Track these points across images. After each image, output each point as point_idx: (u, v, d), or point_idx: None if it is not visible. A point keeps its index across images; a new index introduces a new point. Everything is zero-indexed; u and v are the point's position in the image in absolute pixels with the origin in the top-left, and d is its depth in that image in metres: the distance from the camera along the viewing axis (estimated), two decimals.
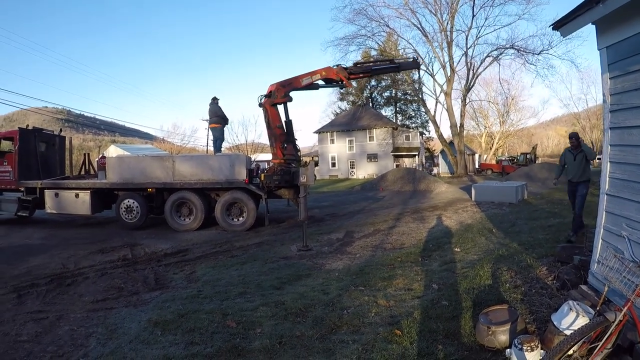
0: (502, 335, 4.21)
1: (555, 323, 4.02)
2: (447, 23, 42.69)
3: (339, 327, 5.10)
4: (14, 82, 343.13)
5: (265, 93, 14.71)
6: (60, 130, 19.11)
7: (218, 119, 16.19)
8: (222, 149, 16.91)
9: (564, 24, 5.13)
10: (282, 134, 14.91)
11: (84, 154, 19.90)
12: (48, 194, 15.21)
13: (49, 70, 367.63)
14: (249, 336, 4.96)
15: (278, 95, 14.67)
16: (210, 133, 17.10)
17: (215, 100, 16.34)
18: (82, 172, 18.08)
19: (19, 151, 15.60)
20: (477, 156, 68.57)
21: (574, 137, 9.88)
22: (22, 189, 15.67)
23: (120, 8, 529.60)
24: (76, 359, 4.74)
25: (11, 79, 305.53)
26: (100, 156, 23.63)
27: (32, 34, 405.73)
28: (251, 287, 7.15)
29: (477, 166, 60.48)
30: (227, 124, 17.02)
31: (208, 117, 16.59)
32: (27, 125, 16.83)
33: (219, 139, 16.69)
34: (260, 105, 14.75)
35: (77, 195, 14.83)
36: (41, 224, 16.34)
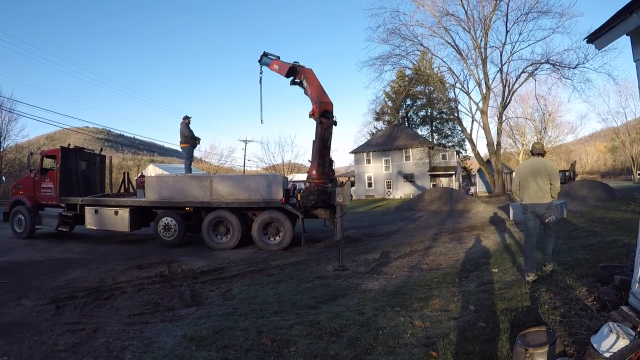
0: (539, 358, 4.09)
1: (594, 345, 3.91)
2: (481, 40, 42.56)
3: (374, 347, 5.05)
4: (56, 103, 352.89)
5: (319, 111, 14.75)
6: (101, 149, 19.69)
7: (187, 138, 16.34)
8: (191, 169, 17.13)
9: (598, 37, 5.05)
10: None
11: (124, 173, 20.33)
12: (88, 211, 15.61)
13: (90, 91, 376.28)
14: (283, 354, 4.95)
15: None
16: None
17: (185, 119, 16.49)
18: (122, 190, 18.45)
19: (61, 169, 16.13)
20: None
21: None
22: (63, 205, 16.10)
23: (159, 32, 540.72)
24: None
25: (53, 100, 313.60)
26: (139, 175, 24.02)
27: (73, 56, 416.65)
28: (286, 305, 7.15)
29: None
30: (198, 143, 17.12)
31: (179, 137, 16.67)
32: (69, 144, 17.30)
33: (188, 159, 16.90)
34: (323, 123, 14.85)
35: (116, 213, 15.15)
36: (81, 239, 16.76)
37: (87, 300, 7.95)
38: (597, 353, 3.83)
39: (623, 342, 3.72)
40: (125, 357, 5.17)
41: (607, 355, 3.65)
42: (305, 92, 16.01)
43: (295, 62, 16.47)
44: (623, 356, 3.17)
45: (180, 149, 17.08)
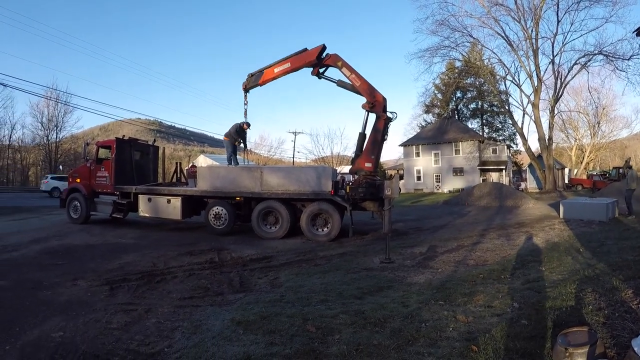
0: (579, 358, 4.06)
1: (635, 349, 3.87)
2: (532, 30, 41.67)
3: (416, 339, 5.12)
4: (109, 95, 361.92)
5: (381, 106, 14.77)
6: (154, 140, 20.15)
7: (229, 134, 16.42)
8: (231, 162, 16.79)
9: None
10: None
11: (176, 163, 20.87)
12: (141, 199, 16.11)
13: (143, 84, 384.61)
14: (327, 341, 5.08)
15: None
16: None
17: (244, 125, 16.50)
18: (174, 180, 18.93)
19: (116, 159, 16.74)
20: (566, 171, 66.16)
21: None
22: (118, 193, 16.68)
23: (208, 23, 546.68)
24: (161, 348, 5.05)
25: (107, 92, 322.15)
26: (190, 165, 24.48)
27: (125, 50, 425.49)
28: (332, 295, 7.28)
29: (566, 181, 58.35)
30: (237, 145, 17.01)
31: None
32: (124, 136, 17.86)
33: (227, 152, 16.94)
34: (385, 118, 14.89)
35: (168, 201, 15.58)
36: (133, 225, 17.32)
37: (139, 283, 8.28)
38: (637, 356, 3.80)
39: None
40: (175, 337, 5.41)
41: None
42: (342, 84, 15.56)
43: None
44: None
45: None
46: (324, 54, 15.46)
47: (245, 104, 16.69)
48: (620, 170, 47.44)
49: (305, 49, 15.51)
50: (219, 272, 9.36)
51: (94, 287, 7.94)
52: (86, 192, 17.11)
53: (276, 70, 15.89)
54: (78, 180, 17.75)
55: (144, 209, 16.12)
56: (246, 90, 16.61)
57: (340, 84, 15.54)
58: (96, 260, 10.36)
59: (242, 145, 17.13)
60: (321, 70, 15.85)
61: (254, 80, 16.37)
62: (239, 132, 16.46)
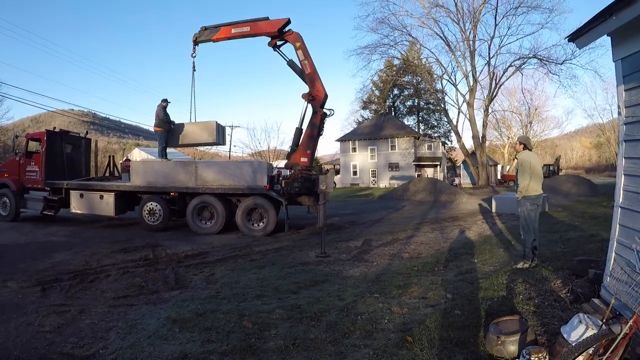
0: (511, 346, 4.24)
1: (564, 335, 4.05)
2: (470, 32, 42.80)
3: (352, 331, 5.19)
4: (40, 84, 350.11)
5: (320, 101, 14.73)
6: (87, 132, 19.69)
7: (161, 122, 15.60)
8: (163, 155, 16.06)
9: (579, 36, 5.17)
10: None
11: (109, 156, 20.40)
12: (73, 195, 15.63)
13: (76, 73, 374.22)
14: (264, 337, 5.09)
15: None
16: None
17: (163, 102, 15.72)
18: (107, 174, 18.49)
19: (46, 152, 16.15)
20: (499, 167, 68.21)
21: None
22: (49, 188, 16.11)
23: (149, 15, 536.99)
24: (96, 350, 4.92)
25: (38, 81, 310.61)
26: (124, 159, 23.95)
27: (59, 38, 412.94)
28: (268, 290, 7.28)
29: (499, 177, 60.18)
30: (173, 127, 16.17)
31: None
32: (54, 128, 17.26)
33: (161, 144, 16.13)
34: (322, 114, 14.89)
35: (101, 197, 15.21)
36: (65, 222, 16.80)
37: (72, 282, 8.03)
38: (566, 342, 3.97)
39: (591, 333, 3.84)
40: (110, 337, 5.28)
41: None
42: (292, 65, 15.34)
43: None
44: (587, 345, 3.28)
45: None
46: (286, 28, 15.18)
47: (193, 55, 16.21)
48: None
49: (267, 18, 15.21)
50: (154, 269, 9.20)
51: (24, 288, 7.65)
52: (15, 187, 16.48)
53: (233, 30, 15.47)
54: (7, 175, 17.04)
55: (76, 205, 15.66)
56: (196, 43, 16.06)
57: (291, 64, 15.32)
58: (27, 260, 9.97)
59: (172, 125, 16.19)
60: (278, 44, 15.55)
61: (207, 35, 15.81)
62: (165, 114, 15.66)
